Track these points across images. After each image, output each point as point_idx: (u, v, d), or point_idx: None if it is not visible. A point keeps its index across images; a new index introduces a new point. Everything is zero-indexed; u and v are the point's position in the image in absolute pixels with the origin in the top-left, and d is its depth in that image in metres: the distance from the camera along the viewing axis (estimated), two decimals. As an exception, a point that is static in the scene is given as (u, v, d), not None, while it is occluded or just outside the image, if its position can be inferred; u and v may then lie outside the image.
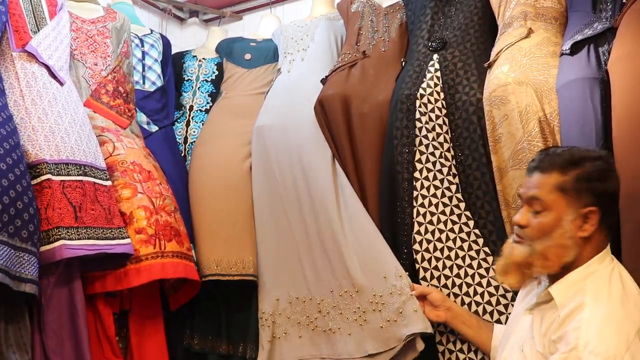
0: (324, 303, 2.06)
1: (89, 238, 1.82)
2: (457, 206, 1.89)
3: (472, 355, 1.80)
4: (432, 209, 1.90)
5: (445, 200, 1.90)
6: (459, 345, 1.83)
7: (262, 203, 2.27)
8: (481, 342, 1.75)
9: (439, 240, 1.89)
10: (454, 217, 1.89)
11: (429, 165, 1.92)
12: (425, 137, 1.93)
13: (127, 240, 1.93)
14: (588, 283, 1.28)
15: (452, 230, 1.89)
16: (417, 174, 1.92)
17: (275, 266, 2.20)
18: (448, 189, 1.90)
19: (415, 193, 1.92)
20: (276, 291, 2.18)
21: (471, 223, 1.88)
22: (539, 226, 1.34)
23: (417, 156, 1.93)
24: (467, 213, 1.88)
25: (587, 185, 1.30)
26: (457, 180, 1.90)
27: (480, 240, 1.86)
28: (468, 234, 1.88)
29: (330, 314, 2.04)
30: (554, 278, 1.36)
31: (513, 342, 1.44)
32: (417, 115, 1.94)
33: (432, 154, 1.92)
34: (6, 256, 1.60)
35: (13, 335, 1.72)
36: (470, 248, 1.87)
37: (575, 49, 1.71)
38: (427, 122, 1.94)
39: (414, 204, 1.91)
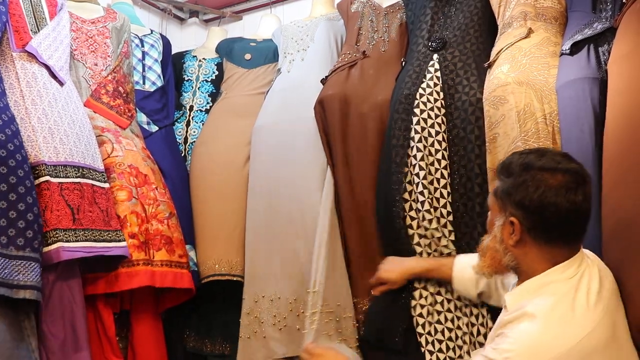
0: (296, 303, 2.10)
1: (86, 240, 1.83)
2: (449, 204, 1.89)
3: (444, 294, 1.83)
4: (419, 206, 1.88)
5: (436, 201, 1.89)
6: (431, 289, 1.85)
7: (255, 202, 2.27)
8: (445, 277, 1.78)
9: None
10: (451, 217, 1.89)
11: (423, 165, 1.91)
12: (425, 137, 1.93)
13: (124, 243, 1.94)
14: (540, 294, 1.28)
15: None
16: (413, 174, 1.92)
17: (257, 266, 2.21)
18: (444, 187, 1.90)
19: (411, 190, 1.92)
20: (253, 290, 2.20)
21: (463, 225, 1.87)
22: (487, 224, 1.43)
23: (414, 155, 1.92)
24: (458, 213, 1.88)
25: (510, 196, 1.32)
26: (449, 180, 1.90)
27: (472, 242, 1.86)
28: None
29: (300, 315, 2.08)
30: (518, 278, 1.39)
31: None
32: (416, 115, 1.94)
33: (430, 153, 1.92)
34: (1, 267, 1.61)
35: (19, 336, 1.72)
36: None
37: (575, 49, 1.71)
38: (425, 122, 1.93)
39: (410, 201, 1.92)
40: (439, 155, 1.90)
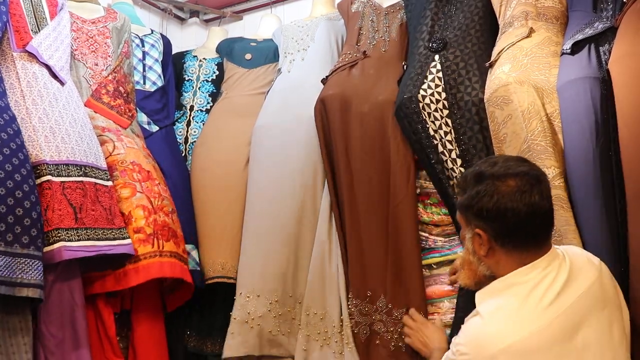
0: (277, 304, 2.11)
1: (88, 239, 1.82)
2: None
3: None
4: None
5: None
6: None
7: (253, 202, 2.27)
8: None
9: None
10: None
11: (445, 165, 1.92)
12: (434, 137, 1.93)
13: (128, 241, 1.93)
14: (498, 295, 1.33)
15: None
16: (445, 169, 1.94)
17: (248, 263, 2.20)
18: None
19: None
20: (249, 290, 2.18)
21: None
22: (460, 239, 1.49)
23: (439, 154, 1.93)
24: None
25: (468, 209, 1.36)
26: None
27: None
28: None
29: (277, 317, 2.10)
30: None
31: None
32: (424, 117, 1.94)
33: (443, 153, 1.92)
34: (4, 266, 1.61)
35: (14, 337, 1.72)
36: None
37: (576, 48, 1.71)
38: (433, 122, 1.94)
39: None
40: (454, 155, 1.91)
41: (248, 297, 2.12)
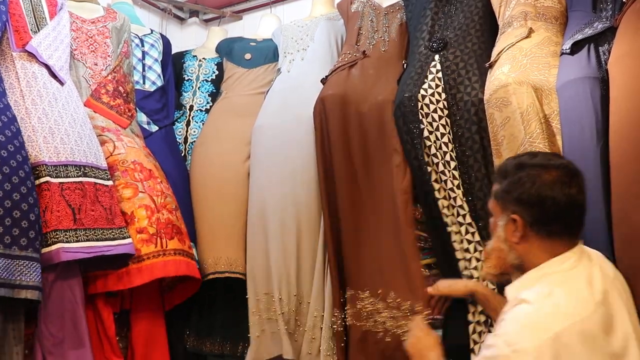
0: (289, 303, 2.13)
1: (87, 240, 1.82)
2: (462, 207, 1.89)
3: None
4: (451, 202, 1.90)
5: (451, 201, 1.90)
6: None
7: (255, 202, 2.28)
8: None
9: None
10: (460, 219, 1.89)
11: (434, 167, 1.92)
12: (428, 138, 1.93)
13: (128, 240, 1.93)
14: (538, 283, 1.32)
15: (456, 232, 1.89)
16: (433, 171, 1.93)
17: (259, 265, 2.22)
18: (452, 190, 1.90)
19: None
20: (259, 289, 2.21)
21: (473, 224, 1.88)
22: (491, 228, 1.47)
23: (431, 155, 1.93)
24: (469, 215, 1.88)
25: (509, 194, 1.38)
26: (459, 181, 1.90)
27: (482, 241, 1.86)
28: (473, 234, 1.88)
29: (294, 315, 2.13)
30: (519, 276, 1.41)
31: None
32: (420, 117, 1.94)
33: (435, 155, 1.92)
34: (2, 268, 1.61)
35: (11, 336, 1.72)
36: (475, 250, 1.87)
37: (575, 48, 1.71)
38: (430, 123, 1.93)
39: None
40: (448, 157, 1.91)
41: (272, 299, 2.16)
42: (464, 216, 1.88)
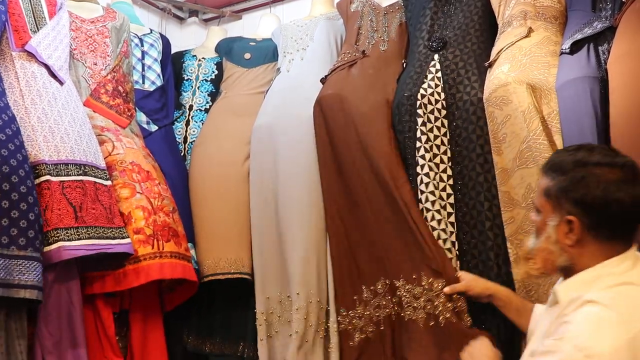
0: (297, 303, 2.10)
1: (89, 238, 1.82)
2: (452, 205, 1.89)
3: None
4: (429, 205, 1.89)
5: (442, 201, 1.89)
6: None
7: (257, 201, 2.27)
8: (520, 325, 1.67)
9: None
10: (452, 218, 1.89)
11: (432, 166, 1.91)
12: (427, 138, 1.93)
13: (127, 240, 1.93)
14: (597, 285, 1.23)
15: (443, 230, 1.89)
16: (422, 174, 1.92)
17: (266, 265, 2.22)
18: (444, 189, 1.90)
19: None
20: (267, 290, 2.20)
21: (464, 224, 1.87)
22: (535, 225, 1.35)
23: (421, 156, 1.93)
24: (454, 216, 1.88)
25: (567, 194, 1.26)
26: (452, 181, 1.90)
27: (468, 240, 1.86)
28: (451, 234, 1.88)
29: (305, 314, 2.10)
30: (565, 278, 1.33)
31: (531, 345, 1.40)
32: (418, 116, 1.94)
33: (431, 155, 1.92)
34: (1, 267, 1.61)
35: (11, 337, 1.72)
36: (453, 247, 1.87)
37: (575, 48, 1.71)
38: (426, 123, 1.93)
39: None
40: (444, 157, 1.91)
41: (279, 300, 2.17)
42: (449, 214, 1.89)
